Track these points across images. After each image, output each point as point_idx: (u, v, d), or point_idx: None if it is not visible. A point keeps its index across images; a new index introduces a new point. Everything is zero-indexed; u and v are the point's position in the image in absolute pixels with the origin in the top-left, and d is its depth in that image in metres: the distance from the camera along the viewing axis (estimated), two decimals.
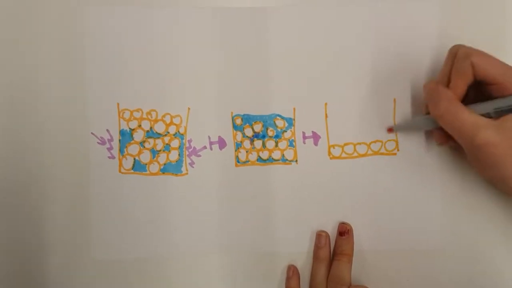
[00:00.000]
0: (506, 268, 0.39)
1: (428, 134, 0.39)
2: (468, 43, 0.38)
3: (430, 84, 0.34)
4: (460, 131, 0.32)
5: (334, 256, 0.38)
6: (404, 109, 0.39)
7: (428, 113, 0.35)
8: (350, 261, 0.37)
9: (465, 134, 0.31)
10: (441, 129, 0.34)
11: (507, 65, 0.32)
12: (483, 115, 0.32)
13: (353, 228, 0.38)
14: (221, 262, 0.39)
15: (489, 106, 0.32)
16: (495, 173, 0.32)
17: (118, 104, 0.39)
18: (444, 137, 0.35)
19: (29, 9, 0.39)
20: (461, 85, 0.33)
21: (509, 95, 0.32)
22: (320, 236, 0.38)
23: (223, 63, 0.39)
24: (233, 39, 0.39)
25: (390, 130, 0.39)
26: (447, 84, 0.34)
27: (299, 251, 0.39)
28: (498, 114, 0.31)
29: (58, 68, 0.39)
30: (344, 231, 0.38)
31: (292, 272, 0.39)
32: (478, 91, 0.34)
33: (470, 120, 0.31)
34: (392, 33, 0.39)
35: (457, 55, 0.33)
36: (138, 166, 0.39)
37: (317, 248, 0.39)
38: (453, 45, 0.35)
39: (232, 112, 0.39)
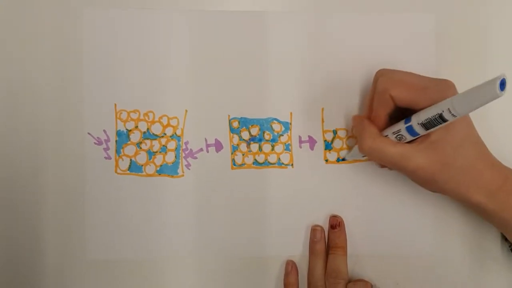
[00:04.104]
0: (495, 275, 0.39)
1: None
2: (466, 52, 0.39)
3: (356, 118, 0.36)
4: (390, 163, 0.33)
5: (329, 250, 0.39)
6: None
7: None
8: (345, 253, 0.38)
9: (394, 166, 0.33)
10: None
11: (427, 88, 0.32)
12: (408, 129, 0.32)
13: (346, 233, 0.39)
14: (215, 264, 0.39)
15: (414, 120, 0.32)
16: (438, 188, 0.34)
17: (115, 104, 0.39)
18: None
19: (27, 10, 0.39)
20: (382, 115, 0.34)
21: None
22: (315, 230, 0.39)
23: (220, 66, 0.39)
24: (231, 42, 0.39)
25: (343, 160, 0.39)
26: (371, 112, 0.35)
27: (293, 254, 0.40)
28: (424, 126, 0.31)
29: (56, 68, 0.39)
30: (335, 223, 0.39)
31: (290, 267, 0.39)
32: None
33: (394, 152, 0.32)
34: (390, 42, 0.39)
35: (376, 87, 0.34)
36: (134, 167, 0.39)
37: (313, 242, 0.39)
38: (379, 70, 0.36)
39: (229, 115, 0.39)
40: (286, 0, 0.39)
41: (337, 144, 0.39)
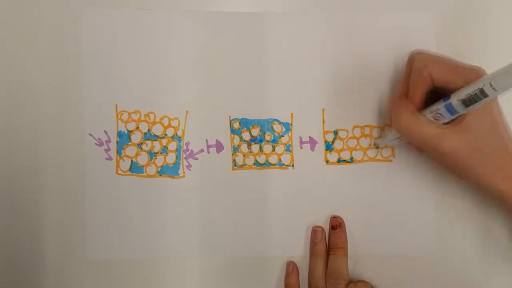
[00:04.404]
0: (494, 275, 0.39)
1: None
2: (465, 50, 0.39)
3: (393, 96, 0.35)
4: (423, 143, 0.33)
5: (329, 250, 0.39)
6: None
7: None
8: (345, 254, 0.38)
9: (429, 145, 0.33)
10: None
11: (464, 68, 0.32)
12: (447, 106, 0.32)
13: (347, 233, 0.39)
14: (216, 265, 0.40)
15: (453, 98, 0.32)
16: (465, 174, 0.34)
17: (116, 105, 0.39)
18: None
19: (27, 11, 0.39)
20: (420, 93, 0.33)
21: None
22: (316, 231, 0.39)
23: (221, 66, 0.39)
24: (231, 43, 0.39)
25: (375, 145, 0.39)
26: (407, 92, 0.35)
27: (293, 255, 0.40)
28: (464, 103, 0.31)
29: (57, 69, 0.39)
30: (336, 224, 0.39)
31: (291, 268, 0.39)
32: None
33: (431, 131, 0.32)
34: (390, 41, 0.39)
35: (414, 65, 0.34)
36: (135, 168, 0.39)
37: (313, 243, 0.39)
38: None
39: (230, 116, 0.39)
40: (286, 1, 0.39)
41: (338, 145, 0.39)
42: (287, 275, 0.39)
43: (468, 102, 0.31)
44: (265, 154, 0.40)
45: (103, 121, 0.39)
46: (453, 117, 0.32)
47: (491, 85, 0.28)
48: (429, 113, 0.33)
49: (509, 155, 0.33)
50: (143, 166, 0.39)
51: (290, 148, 0.40)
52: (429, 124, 0.32)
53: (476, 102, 0.30)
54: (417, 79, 0.33)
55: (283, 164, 0.40)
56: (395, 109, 0.34)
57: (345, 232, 0.39)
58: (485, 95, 0.29)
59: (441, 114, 0.32)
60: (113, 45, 0.39)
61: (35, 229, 0.39)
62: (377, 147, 0.39)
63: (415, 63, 0.34)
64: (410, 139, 0.34)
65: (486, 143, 0.32)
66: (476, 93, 0.30)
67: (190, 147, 0.39)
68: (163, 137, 0.39)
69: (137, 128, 0.39)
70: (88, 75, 0.39)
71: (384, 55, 0.39)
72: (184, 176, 0.39)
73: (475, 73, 0.31)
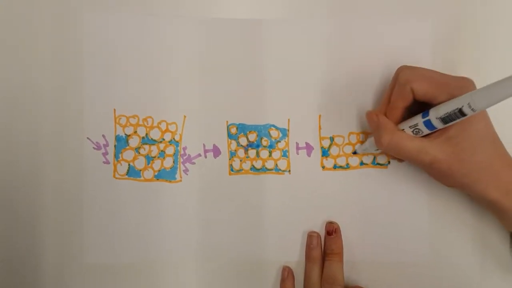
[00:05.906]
0: (489, 281, 0.39)
1: None
2: (460, 59, 0.39)
3: (371, 114, 0.36)
4: (408, 157, 0.34)
5: (325, 256, 0.39)
6: None
7: None
8: (341, 260, 0.38)
9: (413, 159, 0.34)
10: None
11: (449, 83, 0.33)
12: (425, 123, 0.32)
13: (343, 239, 0.39)
14: (212, 269, 0.40)
15: (432, 115, 0.32)
16: (453, 182, 0.34)
17: (114, 109, 0.39)
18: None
19: (28, 14, 0.39)
20: (400, 107, 0.34)
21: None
22: (312, 236, 0.39)
23: (219, 72, 0.40)
24: (229, 49, 0.40)
25: (354, 153, 0.40)
26: (386, 106, 0.35)
27: (289, 260, 0.40)
28: (443, 121, 0.31)
29: (56, 72, 0.39)
30: (331, 230, 0.39)
31: (287, 273, 0.39)
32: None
33: (413, 146, 0.33)
34: (386, 49, 0.40)
35: (398, 79, 0.34)
36: (132, 172, 0.40)
37: (309, 248, 0.39)
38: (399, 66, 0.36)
39: (227, 121, 0.40)
40: (284, 9, 0.40)
41: (334, 151, 0.40)
42: (283, 280, 0.39)
43: (447, 120, 0.31)
44: (261, 159, 0.40)
45: (101, 125, 0.39)
46: (432, 131, 0.33)
47: (469, 106, 0.29)
48: (408, 128, 0.34)
49: (500, 164, 0.33)
50: (140, 170, 0.40)
51: (287, 153, 0.40)
52: (409, 141, 0.33)
53: (455, 120, 0.31)
54: (399, 93, 0.34)
55: (280, 169, 0.40)
56: (375, 127, 0.35)
57: (341, 238, 0.39)
58: (464, 114, 0.30)
59: (420, 129, 0.33)
60: (112, 49, 0.39)
61: (33, 232, 0.39)
62: (355, 153, 0.40)
63: (399, 77, 0.34)
64: (394, 154, 0.35)
65: (472, 154, 0.32)
66: (455, 113, 0.30)
67: (187, 152, 0.40)
68: (161, 142, 0.40)
69: (135, 132, 0.40)
70: (87, 79, 0.39)
71: (380, 62, 0.40)
72: (181, 181, 0.40)
73: (460, 89, 0.32)
